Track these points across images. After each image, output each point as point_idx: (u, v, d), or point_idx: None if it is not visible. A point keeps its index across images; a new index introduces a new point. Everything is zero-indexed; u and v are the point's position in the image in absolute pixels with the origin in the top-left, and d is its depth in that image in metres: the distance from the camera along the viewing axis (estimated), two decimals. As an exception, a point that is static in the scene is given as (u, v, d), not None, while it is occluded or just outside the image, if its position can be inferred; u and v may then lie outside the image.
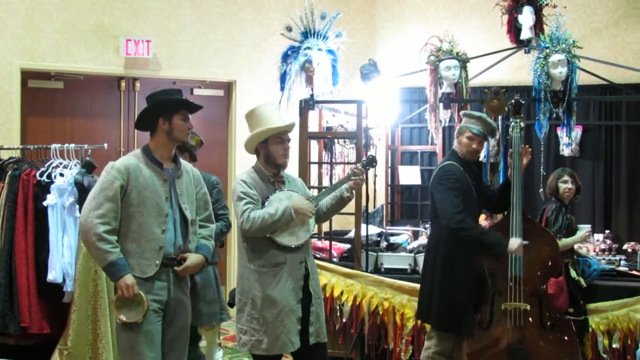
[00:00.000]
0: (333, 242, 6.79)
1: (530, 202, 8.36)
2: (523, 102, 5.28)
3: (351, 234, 6.90)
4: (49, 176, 5.66)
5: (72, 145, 5.82)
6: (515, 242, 4.95)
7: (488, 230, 5.09)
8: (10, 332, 5.54)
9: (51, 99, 8.10)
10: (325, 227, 7.18)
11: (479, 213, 5.28)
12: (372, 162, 4.73)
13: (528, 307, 4.94)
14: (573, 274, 5.69)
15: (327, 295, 6.35)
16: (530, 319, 4.95)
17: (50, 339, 5.66)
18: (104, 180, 4.07)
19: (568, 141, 7.34)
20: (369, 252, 6.47)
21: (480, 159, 5.42)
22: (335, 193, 4.68)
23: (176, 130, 4.15)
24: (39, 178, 5.66)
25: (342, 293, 6.36)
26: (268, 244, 4.41)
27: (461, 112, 5.30)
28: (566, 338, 5.05)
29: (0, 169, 5.88)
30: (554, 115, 5.93)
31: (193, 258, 4.21)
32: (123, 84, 8.33)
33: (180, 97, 4.20)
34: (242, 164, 8.42)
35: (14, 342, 5.74)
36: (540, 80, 5.89)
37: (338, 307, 6.37)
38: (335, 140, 7.40)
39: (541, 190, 6.29)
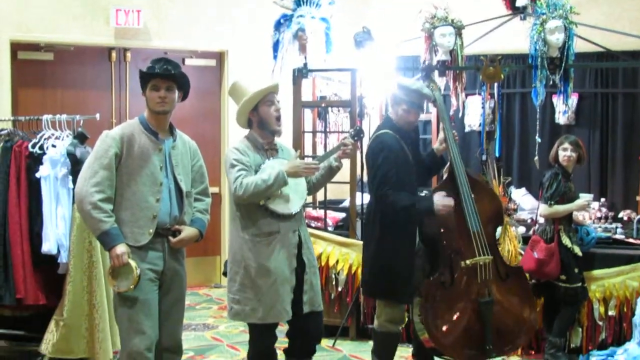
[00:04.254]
0: (328, 212, 6.77)
1: (525, 171, 8.38)
2: (448, 67, 5.20)
3: (346, 203, 6.88)
4: (41, 147, 5.59)
5: (64, 116, 5.74)
6: (440, 203, 4.78)
7: (413, 198, 4.89)
8: (5, 303, 5.49)
9: (41, 71, 8.02)
10: (320, 196, 7.15)
11: (417, 179, 5.13)
12: (359, 133, 4.71)
13: (492, 258, 4.92)
14: (566, 241, 5.68)
15: (323, 264, 6.35)
16: (492, 270, 4.93)
17: (46, 310, 5.62)
18: (98, 149, 4.04)
19: (564, 109, 7.30)
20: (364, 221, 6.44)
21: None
22: (325, 163, 4.65)
23: (149, 101, 4.12)
24: (31, 150, 5.59)
25: (337, 262, 6.36)
26: (262, 212, 4.37)
27: (396, 82, 5.11)
28: (523, 286, 5.09)
29: (-8, 140, 5.81)
30: (550, 82, 5.87)
31: (188, 231, 4.18)
32: (114, 54, 8.25)
33: (150, 66, 4.11)
34: (235, 134, 8.30)
35: (10, 314, 5.71)
36: (537, 47, 5.81)
37: (333, 276, 6.37)
38: (329, 109, 7.35)
39: (536, 158, 6.25)
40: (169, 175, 4.13)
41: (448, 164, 5.10)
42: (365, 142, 6.40)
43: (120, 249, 3.94)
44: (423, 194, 5.66)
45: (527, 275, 5.56)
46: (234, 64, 8.60)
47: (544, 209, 5.67)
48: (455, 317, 4.90)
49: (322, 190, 6.59)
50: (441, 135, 5.14)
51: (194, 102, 8.49)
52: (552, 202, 5.63)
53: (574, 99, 7.96)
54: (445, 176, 5.18)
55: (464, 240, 4.92)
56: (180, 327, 4.27)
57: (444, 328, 4.89)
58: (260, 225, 4.38)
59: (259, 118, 4.48)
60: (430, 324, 4.90)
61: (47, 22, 7.84)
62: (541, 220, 5.82)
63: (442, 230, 4.92)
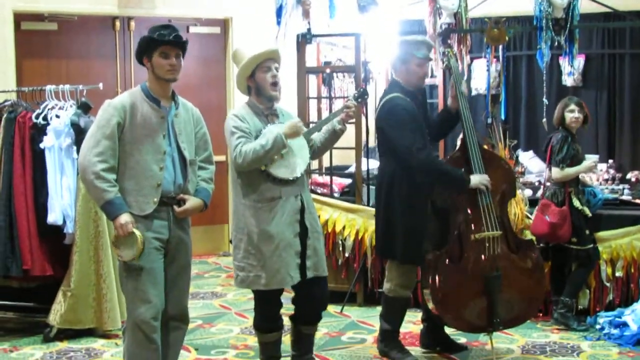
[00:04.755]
0: (334, 177, 6.76)
1: (533, 134, 8.34)
2: (452, 30, 5.14)
3: (352, 169, 6.86)
4: (44, 118, 5.58)
5: (67, 87, 5.72)
6: (476, 179, 4.81)
7: (449, 167, 4.91)
8: (12, 274, 5.53)
9: (45, 41, 8.00)
10: (325, 162, 7.14)
11: (434, 139, 5.12)
12: (363, 94, 4.65)
13: (501, 232, 4.88)
14: (576, 203, 5.66)
15: (329, 230, 6.35)
16: (502, 244, 4.90)
17: (53, 280, 5.65)
18: (100, 118, 4.01)
19: (570, 70, 7.24)
20: (370, 186, 6.43)
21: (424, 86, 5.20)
22: (328, 127, 4.61)
23: (157, 69, 4.05)
24: (34, 120, 5.58)
25: (344, 228, 6.35)
26: (263, 178, 4.36)
27: (401, 39, 5.05)
28: (533, 258, 5.02)
29: (-4, 111, 5.81)
30: (556, 43, 5.81)
31: (192, 202, 4.14)
32: (118, 23, 8.22)
33: (155, 34, 4.06)
34: (241, 101, 8.26)
35: (18, 285, 5.75)
36: (542, 8, 5.74)
37: (340, 242, 6.37)
38: (334, 75, 7.31)
39: (544, 120, 6.20)
40: (172, 144, 4.10)
41: (461, 135, 5.04)
42: (371, 106, 6.43)
43: (125, 218, 3.92)
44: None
45: (536, 238, 5.57)
46: (238, 31, 8.56)
47: (556, 172, 5.63)
48: (462, 290, 4.88)
49: (327, 156, 6.62)
50: (452, 91, 5.03)
51: (199, 70, 8.50)
52: (564, 166, 5.60)
53: (580, 61, 7.89)
54: (458, 145, 5.12)
55: (474, 214, 4.87)
56: (186, 296, 4.26)
57: (450, 301, 4.88)
58: (262, 191, 4.37)
59: (256, 84, 4.45)
60: (437, 297, 4.89)
61: (52, -9, 7.82)
62: (548, 183, 5.79)
63: (452, 202, 4.89)
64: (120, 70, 8.26)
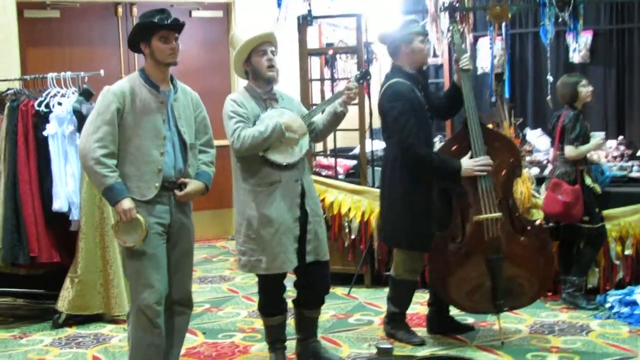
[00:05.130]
0: (339, 159, 6.73)
1: (539, 111, 8.26)
2: (455, 8, 5.08)
3: (357, 151, 6.82)
4: (47, 106, 5.58)
5: (69, 74, 5.71)
6: (467, 164, 4.75)
7: (443, 158, 4.86)
8: (20, 262, 5.55)
9: (48, 29, 8.00)
10: (330, 144, 7.10)
11: (441, 117, 5.07)
12: (365, 75, 4.60)
13: (500, 215, 4.83)
14: (588, 181, 5.62)
15: (335, 212, 6.34)
16: (503, 226, 4.85)
17: (61, 267, 5.67)
18: (100, 105, 4.00)
19: (575, 46, 7.14)
20: (375, 167, 6.41)
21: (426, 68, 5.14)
22: (329, 109, 4.57)
23: (157, 53, 4.02)
24: (37, 108, 5.58)
25: (349, 210, 6.33)
26: (261, 163, 4.33)
27: (397, 27, 4.97)
28: (540, 239, 4.95)
29: (-1, 100, 5.82)
30: (560, 19, 5.73)
31: (194, 185, 4.13)
32: (120, 9, 8.21)
33: (154, 18, 4.03)
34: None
35: (25, 272, 5.78)
36: (545, -16, 5.68)
37: (346, 224, 6.35)
38: (337, 56, 7.25)
39: (549, 97, 6.13)
40: (172, 128, 4.08)
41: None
42: (375, 87, 6.37)
43: (127, 203, 3.91)
44: (437, 139, 5.60)
45: (545, 217, 5.54)
46: (240, 14, 8.52)
47: (570, 150, 5.56)
48: (465, 272, 4.85)
49: (331, 138, 6.59)
50: (456, 66, 4.97)
51: (202, 54, 8.47)
52: (578, 144, 5.55)
53: (587, 37, 7.79)
54: (461, 126, 5.06)
55: (474, 195, 4.83)
56: (189, 280, 4.26)
57: (453, 282, 4.87)
58: (261, 175, 4.34)
59: (252, 68, 4.42)
60: (440, 278, 4.90)
61: (53, -21, 7.80)
62: (557, 162, 5.72)
63: (454, 183, 4.85)
64: (123, 56, 8.24)
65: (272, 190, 4.35)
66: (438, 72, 8.51)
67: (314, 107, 4.59)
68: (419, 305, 5.66)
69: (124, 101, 3.98)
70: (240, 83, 8.33)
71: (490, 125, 5.26)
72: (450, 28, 5.09)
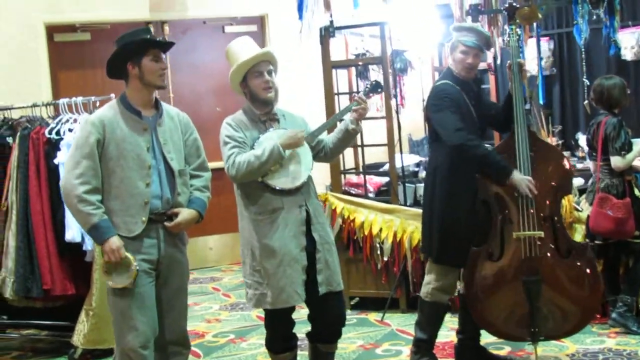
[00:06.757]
0: (370, 177, 6.39)
1: (574, 115, 7.78)
2: (516, 5, 4.66)
3: (387, 167, 6.46)
4: (58, 133, 5.41)
5: (80, 99, 5.53)
6: (519, 177, 4.35)
7: (494, 152, 4.50)
8: (33, 295, 5.36)
9: (79, 52, 7.92)
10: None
11: (481, 135, 4.71)
12: (375, 88, 4.25)
13: (542, 234, 4.40)
14: (637, 192, 5.17)
15: (366, 233, 6.00)
16: (544, 246, 4.41)
17: (78, 298, 5.47)
18: (78, 137, 3.78)
19: (612, 44, 6.55)
20: (407, 184, 6.04)
21: (476, 76, 4.77)
22: (341, 126, 4.23)
23: (147, 74, 3.78)
24: (48, 135, 5.41)
25: (381, 230, 5.98)
26: (262, 189, 4.01)
27: (451, 27, 4.68)
28: (585, 263, 4.45)
29: (12, 128, 5.67)
30: (594, 17, 5.28)
31: (185, 214, 3.86)
32: (151, 29, 8.01)
33: (146, 35, 3.81)
34: (281, 98, 8.04)
35: (42, 305, 5.59)
36: (577, -19, 5.24)
37: (378, 245, 6.00)
38: (370, 67, 6.91)
39: (586, 102, 5.66)
40: (158, 156, 3.82)
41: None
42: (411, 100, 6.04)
43: (115, 242, 3.66)
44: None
45: (589, 234, 5.11)
46: (274, 27, 8.28)
47: (618, 161, 5.09)
48: (499, 292, 4.46)
49: (360, 154, 6.27)
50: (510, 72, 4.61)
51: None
52: (625, 153, 5.09)
53: (637, 32, 7.23)
54: (508, 136, 4.66)
55: (515, 210, 4.43)
56: (184, 319, 3.98)
57: (487, 302, 4.48)
58: (262, 202, 4.03)
59: (249, 90, 4.12)
60: (472, 297, 4.51)
61: (81, 1, 7.69)
62: (600, 174, 5.26)
63: (495, 194, 4.46)
64: (157, 76, 8.06)
65: (274, 218, 4.03)
66: (484, 78, 8.05)
67: (320, 125, 4.24)
68: (454, 332, 5.26)
69: (104, 131, 3.74)
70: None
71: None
72: (508, 30, 4.69)
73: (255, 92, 4.08)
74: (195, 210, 3.92)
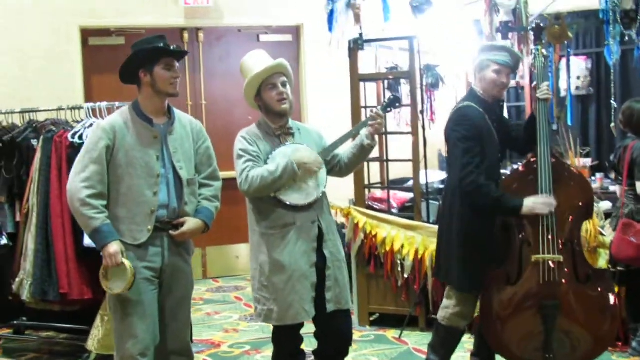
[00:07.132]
0: (395, 192, 6.30)
1: (610, 136, 7.59)
2: (543, 25, 4.54)
3: (411, 183, 6.37)
4: (80, 137, 5.42)
5: (105, 104, 5.57)
6: (530, 203, 4.23)
7: (501, 194, 4.33)
8: (49, 299, 5.37)
9: (114, 56, 7.87)
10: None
11: (501, 157, 4.60)
12: (393, 103, 4.18)
13: (561, 258, 4.27)
14: None
15: (387, 249, 5.92)
16: (563, 271, 4.28)
17: (96, 303, 5.46)
18: (89, 142, 3.79)
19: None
20: (430, 201, 5.94)
21: (503, 98, 4.68)
22: (356, 142, 4.17)
23: (159, 82, 3.77)
24: (70, 139, 5.43)
25: (402, 247, 5.88)
26: (274, 204, 3.96)
27: (479, 47, 4.57)
28: (603, 291, 4.33)
29: (37, 131, 5.71)
30: (626, 38, 5.14)
31: (191, 223, 3.83)
32: (186, 35, 8.07)
33: (160, 44, 3.79)
34: (316, 109, 8.02)
35: (59, 309, 5.61)
36: (608, 0, 5.09)
37: (399, 262, 5.91)
38: (401, 81, 6.82)
39: (612, 124, 5.51)
40: (167, 165, 3.80)
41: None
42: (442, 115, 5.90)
43: (114, 247, 3.66)
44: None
45: (612, 260, 4.96)
46: (310, 37, 8.23)
47: None
48: (516, 316, 4.35)
49: (385, 169, 6.18)
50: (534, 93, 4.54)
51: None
52: None
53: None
54: (529, 158, 4.56)
55: (535, 233, 4.32)
56: (187, 329, 3.96)
57: (501, 325, 4.37)
58: (274, 217, 3.98)
59: (263, 103, 4.08)
60: (487, 319, 4.41)
61: (117, 6, 7.78)
62: (625, 200, 5.11)
63: (515, 217, 4.36)
64: (190, 83, 8.10)
65: (285, 233, 3.98)
66: (518, 96, 7.93)
67: (334, 141, 4.18)
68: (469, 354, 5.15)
69: (114, 137, 3.73)
70: (310, 107, 8.10)
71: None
72: (534, 51, 4.58)
73: (269, 104, 4.04)
74: (202, 220, 3.90)
